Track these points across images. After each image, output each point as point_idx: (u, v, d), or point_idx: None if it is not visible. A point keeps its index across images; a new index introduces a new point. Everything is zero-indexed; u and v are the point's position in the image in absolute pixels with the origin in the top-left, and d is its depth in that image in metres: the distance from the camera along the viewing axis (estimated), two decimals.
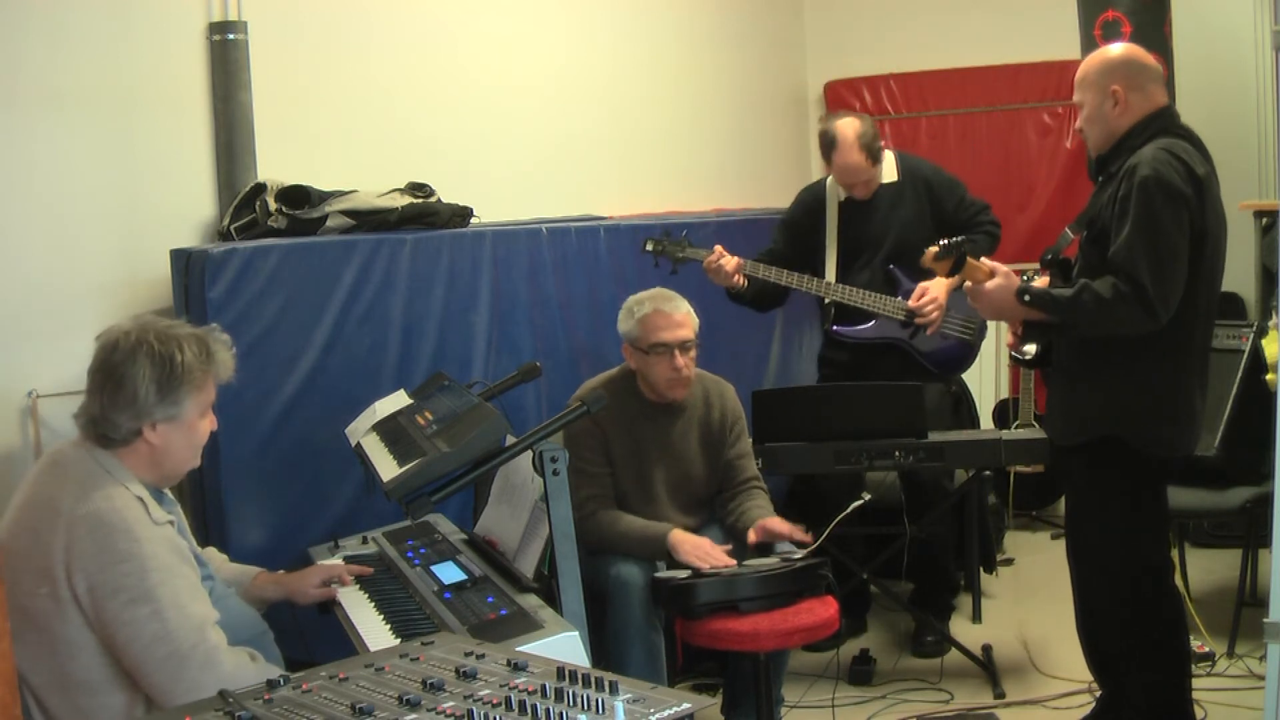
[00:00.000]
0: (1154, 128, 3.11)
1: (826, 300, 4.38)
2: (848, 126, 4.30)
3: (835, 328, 4.42)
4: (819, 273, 4.44)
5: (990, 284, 3.15)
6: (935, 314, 4.29)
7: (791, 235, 4.56)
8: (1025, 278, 3.17)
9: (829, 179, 4.52)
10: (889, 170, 4.46)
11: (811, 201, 4.56)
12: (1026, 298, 3.10)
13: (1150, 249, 2.93)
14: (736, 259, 4.20)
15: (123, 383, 2.34)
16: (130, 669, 2.24)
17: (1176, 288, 2.96)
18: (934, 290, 4.28)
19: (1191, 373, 3.11)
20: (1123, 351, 3.06)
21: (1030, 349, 3.31)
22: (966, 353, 4.50)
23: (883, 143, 4.43)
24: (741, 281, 4.22)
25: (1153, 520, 3.20)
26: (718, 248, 4.20)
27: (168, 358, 2.36)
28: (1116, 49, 3.28)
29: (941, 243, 3.18)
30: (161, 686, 2.21)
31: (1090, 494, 3.26)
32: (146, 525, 2.28)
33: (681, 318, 3.59)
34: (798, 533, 3.45)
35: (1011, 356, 3.44)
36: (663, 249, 4.20)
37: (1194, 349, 3.11)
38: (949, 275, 3.22)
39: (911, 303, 4.30)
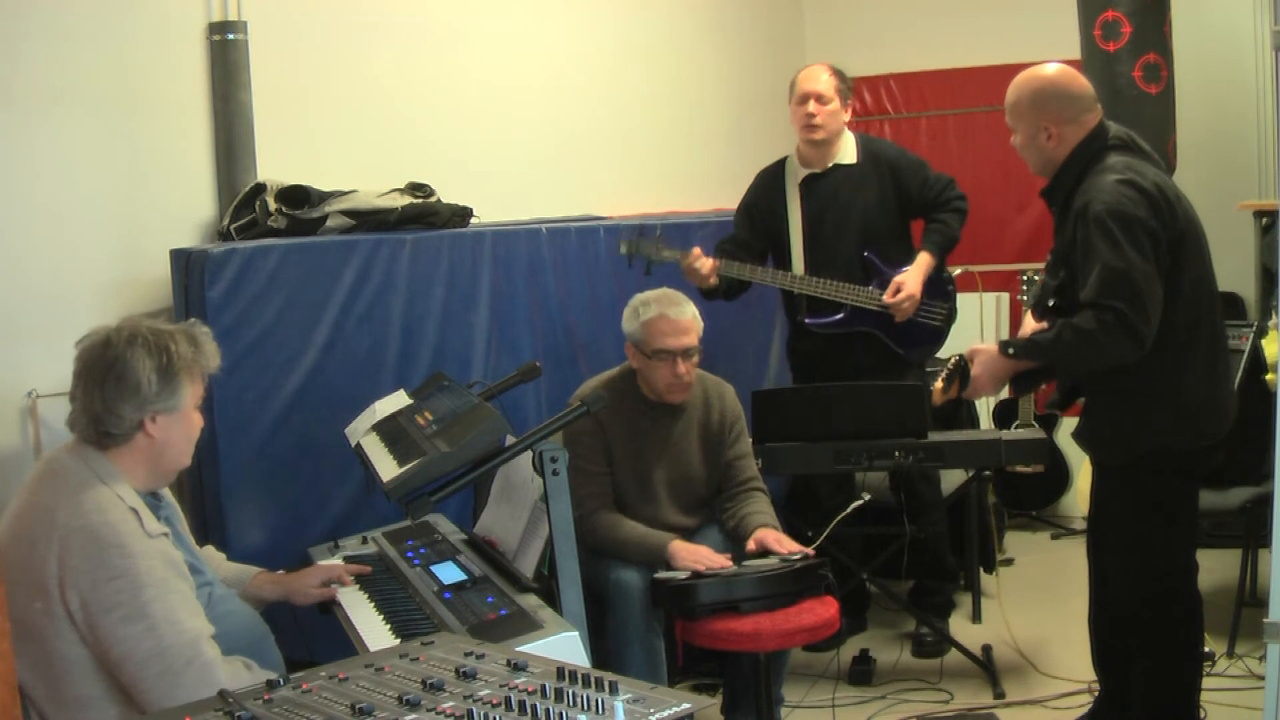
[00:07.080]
0: (1090, 151, 3.09)
1: (797, 292, 4.34)
2: (822, 66, 4.36)
3: (808, 320, 4.36)
4: (785, 259, 4.38)
5: (975, 365, 3.16)
6: (909, 308, 4.25)
7: (752, 220, 4.47)
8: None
9: (787, 159, 4.46)
10: (849, 151, 4.38)
11: (770, 181, 4.48)
12: (1010, 351, 3.09)
13: (1119, 277, 2.90)
14: (712, 261, 4.15)
15: (124, 374, 2.35)
16: (126, 685, 2.23)
17: (1155, 307, 2.93)
18: (910, 286, 4.22)
19: (1207, 366, 3.09)
20: (1140, 370, 3.02)
21: (1056, 399, 3.29)
22: (936, 336, 4.47)
23: (848, 117, 4.39)
24: (715, 281, 4.19)
25: (1185, 522, 3.17)
26: (695, 249, 4.15)
27: (163, 348, 2.40)
28: (1047, 72, 3.17)
29: (942, 376, 3.20)
30: (157, 703, 2.19)
31: (1125, 496, 3.19)
32: (140, 539, 2.26)
33: (687, 323, 3.57)
34: (794, 546, 3.44)
35: (1046, 410, 3.40)
36: (637, 249, 4.12)
37: (1200, 344, 3.08)
38: (959, 394, 3.22)
39: (887, 298, 4.23)
